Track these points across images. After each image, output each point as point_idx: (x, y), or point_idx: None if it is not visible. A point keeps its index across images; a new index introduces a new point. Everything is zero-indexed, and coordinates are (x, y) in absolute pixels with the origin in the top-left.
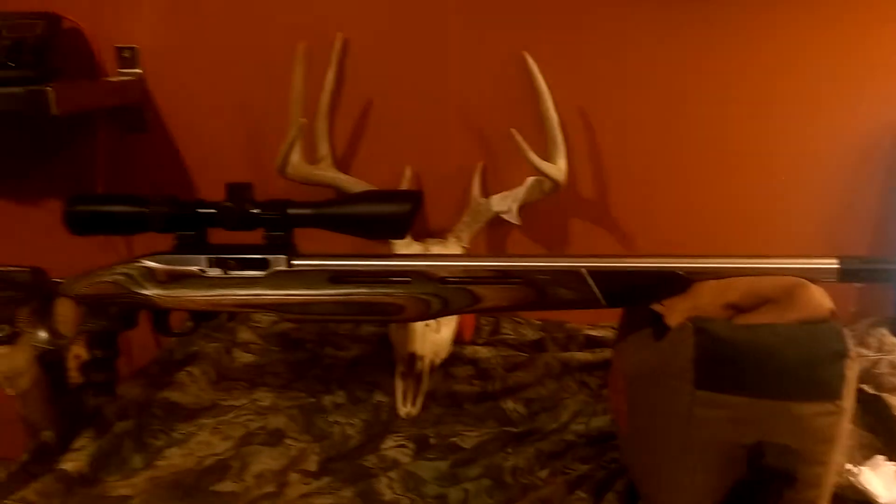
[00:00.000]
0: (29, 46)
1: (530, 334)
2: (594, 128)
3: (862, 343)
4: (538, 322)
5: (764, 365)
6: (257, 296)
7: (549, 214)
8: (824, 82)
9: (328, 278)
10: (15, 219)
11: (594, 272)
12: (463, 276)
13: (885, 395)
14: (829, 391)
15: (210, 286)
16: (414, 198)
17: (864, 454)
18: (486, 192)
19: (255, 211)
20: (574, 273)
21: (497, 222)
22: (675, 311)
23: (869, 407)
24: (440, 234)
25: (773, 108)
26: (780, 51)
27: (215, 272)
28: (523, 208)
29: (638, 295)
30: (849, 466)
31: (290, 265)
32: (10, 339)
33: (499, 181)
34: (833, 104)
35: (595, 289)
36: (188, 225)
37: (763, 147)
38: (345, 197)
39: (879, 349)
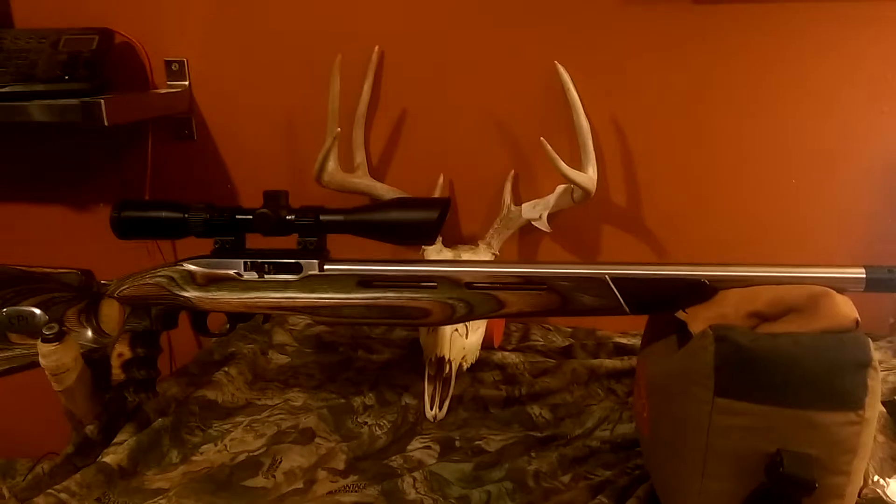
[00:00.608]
0: (84, 60)
1: (559, 341)
2: (626, 137)
3: None
4: (568, 329)
5: (785, 373)
6: (290, 298)
7: (579, 222)
8: (856, 91)
9: (357, 282)
10: (70, 223)
11: (618, 279)
12: (488, 282)
13: None
14: (851, 401)
15: (246, 289)
16: (441, 205)
17: (893, 466)
18: (518, 200)
19: (289, 217)
20: (598, 280)
21: (528, 230)
22: (699, 319)
23: None
24: (472, 241)
25: (805, 117)
26: (810, 61)
27: (251, 275)
28: (554, 216)
29: (662, 302)
30: (877, 478)
31: (322, 269)
32: (58, 338)
33: (531, 189)
34: (864, 113)
35: (619, 296)
36: (226, 230)
37: (795, 157)
38: (375, 204)
39: None
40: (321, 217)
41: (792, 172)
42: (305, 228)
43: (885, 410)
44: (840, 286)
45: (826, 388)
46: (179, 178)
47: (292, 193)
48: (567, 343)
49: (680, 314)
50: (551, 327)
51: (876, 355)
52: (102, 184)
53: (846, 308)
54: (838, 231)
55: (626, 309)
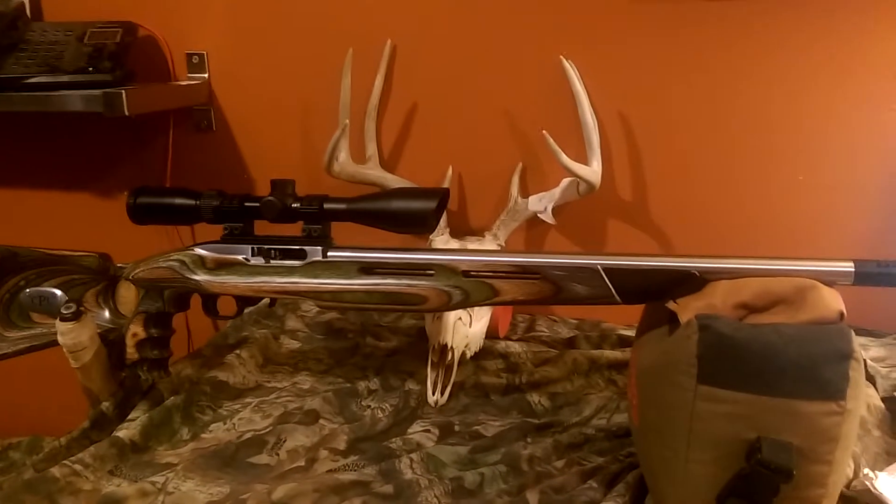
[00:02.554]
0: (108, 53)
1: (565, 332)
2: (633, 131)
3: None
4: (574, 321)
5: (766, 362)
6: (294, 283)
7: (586, 215)
8: (866, 88)
9: (359, 269)
10: (94, 209)
11: (609, 269)
12: (484, 271)
13: None
14: (832, 391)
15: (252, 273)
16: (440, 195)
17: (888, 461)
18: (526, 193)
19: (294, 205)
20: (590, 270)
21: (535, 222)
22: (689, 309)
23: None
24: (479, 232)
25: (814, 113)
26: (820, 57)
27: (258, 261)
28: (561, 209)
29: (653, 293)
30: (867, 471)
31: (326, 256)
32: (75, 317)
33: (538, 182)
34: (873, 111)
35: (610, 285)
36: (235, 217)
37: (803, 153)
38: (377, 193)
39: None
40: (325, 205)
41: (799, 169)
42: (310, 216)
43: (883, 406)
44: (829, 279)
45: (807, 377)
46: (199, 168)
47: (308, 184)
48: (572, 334)
49: (670, 304)
50: (557, 318)
51: (858, 347)
52: (126, 172)
53: (832, 300)
54: (846, 228)
55: (618, 298)
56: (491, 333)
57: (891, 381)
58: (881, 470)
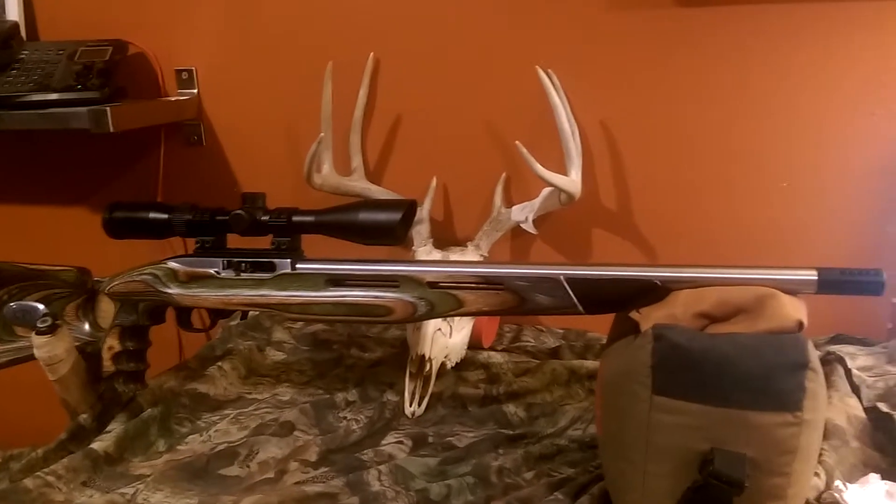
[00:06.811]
0: (97, 70)
1: (550, 342)
2: (615, 140)
3: (892, 361)
4: (560, 330)
5: (720, 373)
6: (263, 296)
7: (569, 225)
8: (846, 94)
9: (326, 281)
10: (89, 225)
11: (572, 279)
12: (448, 282)
13: None
14: (787, 402)
15: (222, 286)
16: (405, 206)
17: (864, 472)
18: (510, 203)
19: (263, 218)
20: (553, 280)
21: (520, 232)
22: (651, 319)
23: (880, 425)
24: (464, 243)
25: (795, 120)
26: (800, 63)
27: (229, 274)
28: (545, 218)
29: (616, 303)
30: (838, 483)
31: (294, 268)
32: (50, 330)
33: (523, 192)
34: (854, 116)
35: (572, 296)
36: (207, 230)
37: (785, 160)
38: (344, 205)
39: None
40: (293, 218)
41: (782, 176)
42: (279, 229)
43: (865, 417)
44: (791, 288)
45: (761, 388)
46: (190, 182)
47: (297, 196)
48: (557, 344)
49: (633, 314)
50: (544, 328)
51: (815, 357)
52: (119, 187)
53: (792, 309)
54: (828, 235)
55: (580, 309)
56: (475, 343)
57: (876, 391)
58: (855, 481)
